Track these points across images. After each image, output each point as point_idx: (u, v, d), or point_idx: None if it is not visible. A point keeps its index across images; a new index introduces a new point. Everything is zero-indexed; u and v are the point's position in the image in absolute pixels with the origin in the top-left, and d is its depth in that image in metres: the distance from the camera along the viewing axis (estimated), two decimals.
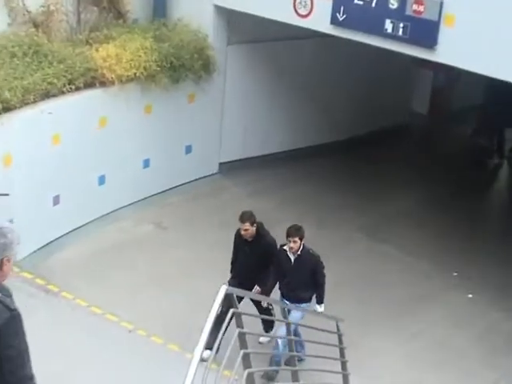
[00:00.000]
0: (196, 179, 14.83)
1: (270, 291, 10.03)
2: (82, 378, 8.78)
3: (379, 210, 14.85)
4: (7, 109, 11.03)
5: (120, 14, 13.38)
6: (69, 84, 11.92)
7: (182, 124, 14.05)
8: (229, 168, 15.26)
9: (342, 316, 9.95)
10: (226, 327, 6.35)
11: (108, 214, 13.11)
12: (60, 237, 12.42)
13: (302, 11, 12.66)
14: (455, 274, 12.99)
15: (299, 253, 9.76)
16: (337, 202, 14.90)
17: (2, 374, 4.51)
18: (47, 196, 12.05)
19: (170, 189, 14.33)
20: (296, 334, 9.76)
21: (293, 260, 9.81)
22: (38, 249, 11.96)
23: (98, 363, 9.05)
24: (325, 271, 9.95)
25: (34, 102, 11.45)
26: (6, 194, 10.77)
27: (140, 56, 12.78)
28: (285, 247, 9.85)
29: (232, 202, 14.12)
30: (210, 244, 12.75)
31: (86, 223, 12.81)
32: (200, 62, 13.71)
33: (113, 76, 12.48)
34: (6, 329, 4.52)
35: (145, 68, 12.82)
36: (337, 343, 9.56)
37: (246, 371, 6.98)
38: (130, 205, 13.58)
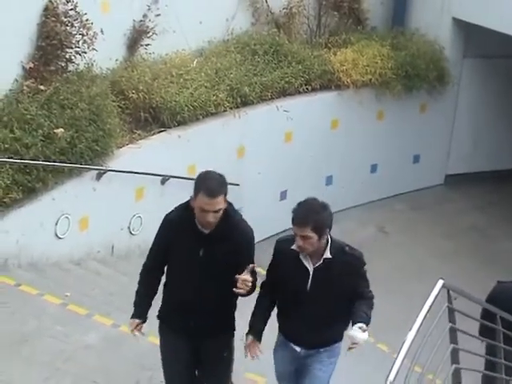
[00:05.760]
0: (421, 189, 13.94)
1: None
2: None
3: None
4: (245, 103, 10.86)
5: (359, 21, 12.88)
6: (305, 84, 11.61)
7: (411, 133, 13.26)
8: (455, 181, 14.21)
9: None
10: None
11: (334, 213, 12.39)
12: (283, 231, 11.92)
13: None
14: None
15: (327, 256, 4.93)
16: None
17: None
18: (275, 190, 11.66)
19: (395, 196, 13.56)
20: None
21: (311, 272, 4.97)
22: (261, 240, 11.52)
23: None
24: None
25: (271, 98, 11.24)
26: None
27: (376, 62, 12.22)
28: (293, 246, 4.96)
29: (455, 215, 13.27)
30: (431, 252, 11.89)
31: None
32: (435, 73, 12.90)
33: (348, 80, 12.02)
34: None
35: (380, 75, 12.24)
36: None
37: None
38: (354, 207, 12.97)
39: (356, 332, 4.74)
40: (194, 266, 4.84)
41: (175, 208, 5.00)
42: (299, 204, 4.92)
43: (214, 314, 4.91)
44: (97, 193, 8.91)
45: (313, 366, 5.19)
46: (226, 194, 4.76)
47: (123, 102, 9.75)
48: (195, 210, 4.72)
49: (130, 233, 9.50)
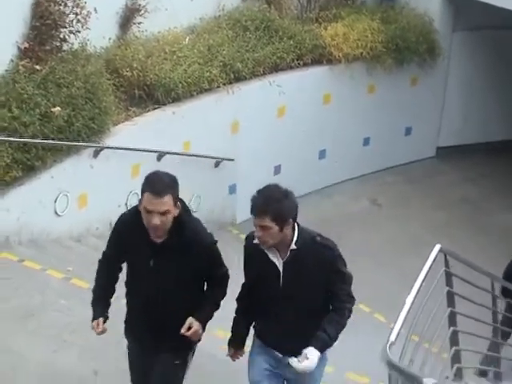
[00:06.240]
0: (413, 161, 14.11)
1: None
2: None
3: None
4: (238, 79, 10.97)
5: None
6: (297, 59, 11.73)
7: (403, 106, 13.39)
8: (446, 153, 14.38)
9: None
10: None
11: (326, 187, 12.70)
12: None
13: None
14: None
15: (294, 247, 4.44)
16: None
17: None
18: (269, 165, 11.79)
19: (387, 168, 13.73)
20: None
21: (281, 267, 4.49)
22: None
23: None
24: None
25: (263, 74, 11.34)
26: None
27: (367, 36, 12.33)
28: (256, 240, 4.48)
29: (447, 187, 13.46)
30: (423, 224, 12.07)
31: (304, 195, 12.39)
32: (425, 46, 13.04)
33: (340, 54, 12.13)
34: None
35: (371, 48, 12.37)
36: None
37: (453, 349, 6.19)
38: (347, 180, 13.17)
39: (295, 363, 4.30)
40: (145, 278, 4.43)
41: (128, 210, 4.62)
42: (259, 192, 4.41)
43: (177, 331, 4.36)
44: (94, 170, 9.04)
45: (299, 378, 4.60)
46: (176, 197, 4.26)
47: (117, 80, 9.84)
48: (141, 213, 4.26)
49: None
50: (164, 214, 4.19)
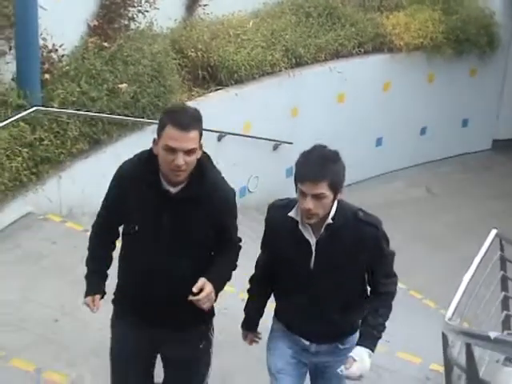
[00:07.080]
0: (469, 153, 14.02)
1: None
2: None
3: None
4: (299, 64, 10.97)
5: None
6: (358, 47, 11.71)
7: (461, 97, 13.28)
8: (502, 146, 14.23)
9: None
10: None
11: (382, 174, 12.62)
12: None
13: None
14: None
15: (330, 221, 3.68)
16: None
17: None
18: None
19: (443, 159, 13.67)
20: None
21: (314, 245, 3.73)
22: None
23: None
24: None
25: (325, 60, 11.32)
26: None
27: (428, 26, 12.27)
28: (291, 212, 3.73)
29: (504, 178, 13.22)
30: (479, 213, 11.91)
31: (361, 181, 12.38)
32: (485, 38, 12.92)
33: (401, 43, 12.10)
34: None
35: (431, 38, 12.29)
36: None
37: (505, 332, 6.12)
38: (404, 168, 13.13)
39: (344, 371, 3.65)
40: (155, 238, 3.63)
41: (130, 159, 3.80)
42: (307, 153, 3.60)
43: (186, 301, 3.57)
44: None
45: (329, 367, 4.01)
46: (201, 134, 3.51)
47: (182, 60, 9.89)
48: (159, 155, 3.51)
49: None
50: (189, 153, 3.45)
